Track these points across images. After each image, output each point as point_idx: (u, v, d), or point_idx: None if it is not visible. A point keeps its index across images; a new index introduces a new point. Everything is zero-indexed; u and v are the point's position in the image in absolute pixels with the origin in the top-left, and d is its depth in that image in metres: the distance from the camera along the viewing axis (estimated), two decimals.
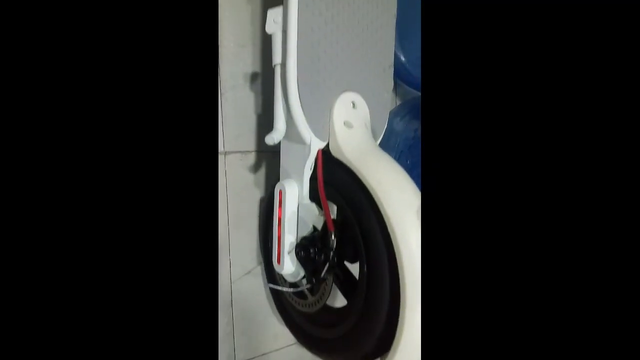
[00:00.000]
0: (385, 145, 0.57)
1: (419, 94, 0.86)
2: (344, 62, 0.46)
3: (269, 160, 0.70)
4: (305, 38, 0.42)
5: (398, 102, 0.90)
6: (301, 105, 0.42)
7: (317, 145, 0.45)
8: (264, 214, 0.64)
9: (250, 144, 0.67)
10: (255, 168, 0.69)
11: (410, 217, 0.36)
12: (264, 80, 0.66)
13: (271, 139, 0.46)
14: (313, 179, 0.47)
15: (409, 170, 0.73)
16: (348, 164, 0.43)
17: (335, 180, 0.45)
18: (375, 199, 0.39)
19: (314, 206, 0.46)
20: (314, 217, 0.45)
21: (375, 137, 0.53)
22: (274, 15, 0.44)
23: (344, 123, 0.45)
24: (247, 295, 0.70)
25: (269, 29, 0.44)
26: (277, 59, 0.44)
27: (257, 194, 0.69)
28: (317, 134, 0.44)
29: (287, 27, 0.42)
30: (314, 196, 0.47)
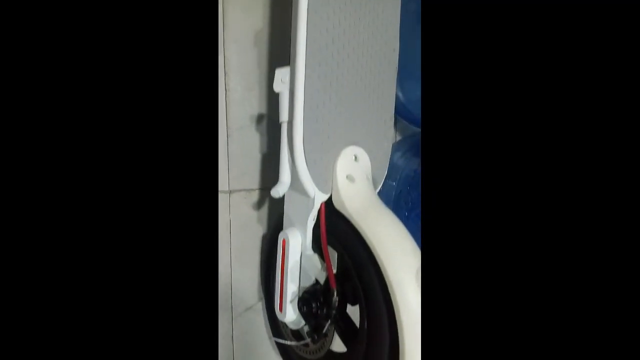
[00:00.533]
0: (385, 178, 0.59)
1: (419, 129, 0.89)
2: (347, 118, 0.49)
3: (272, 199, 0.71)
4: (311, 98, 0.45)
5: (398, 137, 0.92)
6: (306, 163, 0.44)
7: (320, 198, 0.47)
8: (265, 252, 0.66)
9: (254, 181, 0.69)
10: (259, 205, 0.70)
11: (409, 280, 0.38)
12: (269, 121, 0.69)
13: (276, 192, 0.48)
14: (316, 228, 0.48)
15: (409, 211, 0.74)
16: (350, 219, 0.45)
17: (337, 231, 0.46)
18: (376, 257, 0.41)
19: (316, 258, 0.47)
20: (316, 270, 0.47)
21: (375, 185, 0.55)
22: (282, 74, 0.46)
23: (347, 177, 0.47)
24: (248, 330, 0.71)
25: (276, 87, 0.46)
26: (283, 116, 0.46)
27: (260, 230, 0.71)
28: (321, 187, 0.46)
29: (294, 88, 0.44)
30: (316, 247, 0.48)
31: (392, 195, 0.78)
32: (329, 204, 0.47)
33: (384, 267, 0.40)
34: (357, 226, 0.44)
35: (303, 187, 0.46)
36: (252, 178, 0.69)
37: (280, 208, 0.58)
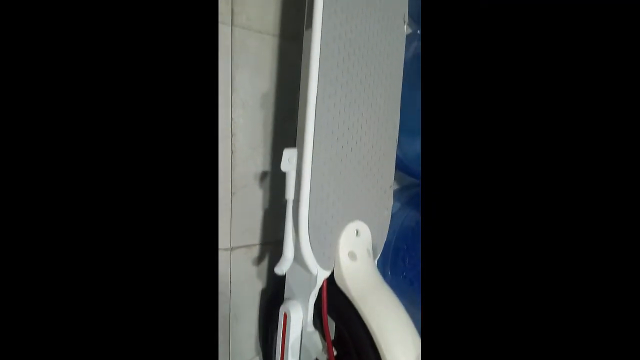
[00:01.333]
0: None
1: (415, 180, 0.90)
2: (350, 195, 0.50)
3: (272, 251, 0.73)
4: (317, 180, 0.46)
5: (395, 185, 0.94)
6: (310, 244, 0.46)
7: (323, 275, 0.48)
8: (264, 310, 0.66)
9: (255, 237, 0.70)
10: (259, 260, 0.71)
11: None
12: (273, 178, 0.70)
13: (280, 269, 0.49)
14: (318, 303, 0.49)
15: (407, 270, 0.75)
16: (351, 299, 0.46)
17: (338, 308, 0.48)
18: (375, 342, 0.42)
19: (317, 336, 0.48)
20: (317, 349, 0.48)
21: (375, 253, 0.56)
22: (289, 155, 0.48)
23: (349, 254, 0.49)
24: None
25: (283, 167, 0.48)
26: (289, 194, 0.48)
27: (260, 285, 0.72)
28: (323, 266, 0.47)
29: (301, 170, 0.46)
30: (317, 323, 0.49)
31: (390, 248, 0.79)
32: (330, 281, 0.49)
33: (384, 354, 0.41)
34: (357, 308, 0.45)
35: (306, 264, 0.47)
36: (253, 234, 0.70)
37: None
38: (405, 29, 0.59)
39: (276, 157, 0.71)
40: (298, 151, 0.47)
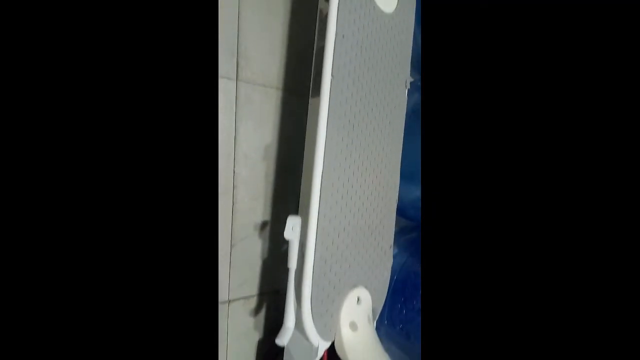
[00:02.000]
0: None
1: (412, 223, 0.91)
2: (351, 262, 0.51)
3: (269, 302, 0.72)
4: (321, 250, 0.47)
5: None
6: (312, 317, 0.46)
7: (324, 346, 0.48)
8: None
9: (253, 288, 0.70)
10: (256, 311, 0.71)
11: None
12: (273, 227, 0.71)
13: (281, 340, 0.49)
14: None
15: (405, 323, 0.75)
16: None
17: None
18: None
19: None
20: None
21: (375, 315, 0.57)
22: (293, 223, 0.49)
23: (350, 325, 0.49)
24: None
25: (287, 235, 0.48)
26: (292, 264, 0.48)
27: (256, 336, 0.71)
28: (325, 337, 0.48)
29: (306, 241, 0.47)
30: None
31: (387, 295, 0.79)
32: (331, 352, 0.48)
33: None
34: None
35: (307, 336, 0.47)
36: (251, 285, 0.69)
37: (276, 316, 0.59)
38: (407, 93, 0.61)
39: (276, 207, 0.72)
40: (302, 220, 0.47)
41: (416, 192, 0.78)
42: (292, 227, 0.48)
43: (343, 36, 0.47)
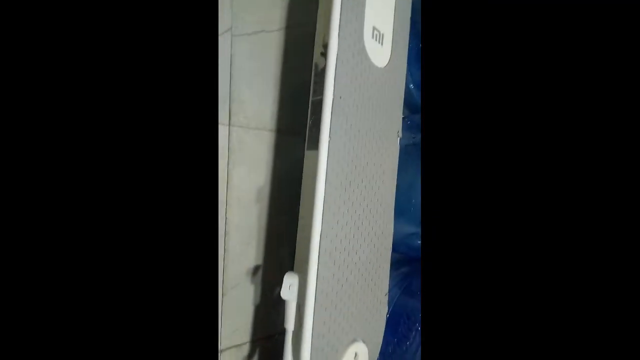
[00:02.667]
0: None
1: (403, 256, 0.91)
2: (349, 317, 0.51)
3: (262, 349, 0.71)
4: (319, 310, 0.46)
5: None
6: None
7: None
8: None
9: (245, 336, 0.68)
10: (249, 358, 0.69)
11: None
12: (265, 272, 0.70)
13: None
14: None
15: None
16: None
17: None
18: None
19: None
20: None
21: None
22: (290, 282, 0.48)
23: None
24: None
25: (284, 295, 0.48)
26: (289, 326, 0.47)
27: None
28: None
29: (304, 300, 0.46)
30: None
31: None
32: None
33: None
34: None
35: None
36: (244, 332, 0.68)
37: None
38: (399, 142, 0.62)
39: (269, 250, 0.71)
40: (300, 280, 0.47)
41: (407, 228, 0.79)
42: (289, 287, 0.48)
43: (340, 97, 0.47)
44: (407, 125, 0.87)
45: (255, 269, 0.69)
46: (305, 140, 0.58)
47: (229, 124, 0.65)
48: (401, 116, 0.62)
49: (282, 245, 0.71)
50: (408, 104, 0.89)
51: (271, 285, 0.72)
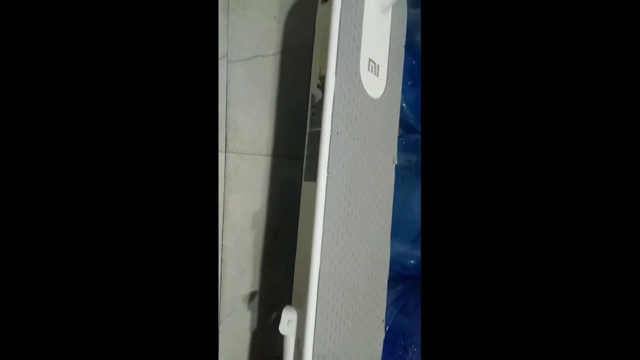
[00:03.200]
0: None
1: (397, 274, 0.92)
2: (347, 349, 0.51)
3: None
4: (318, 347, 0.46)
5: None
6: None
7: None
8: None
9: None
10: None
11: None
12: (261, 298, 0.69)
13: None
14: None
15: None
16: None
17: None
18: None
19: None
20: None
21: None
22: (289, 317, 0.48)
23: None
24: None
25: (282, 330, 0.48)
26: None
27: None
28: None
29: (303, 337, 0.46)
30: None
31: None
32: None
33: None
34: None
35: None
36: (240, 359, 0.67)
37: None
38: (394, 168, 0.63)
39: (265, 276, 0.70)
40: (299, 316, 0.47)
41: (401, 247, 0.79)
42: (287, 322, 0.48)
43: (337, 133, 0.47)
44: (402, 146, 0.88)
45: (252, 295, 0.69)
46: (302, 170, 0.58)
47: (225, 151, 0.64)
48: (396, 143, 0.62)
49: (279, 270, 0.70)
50: (402, 123, 0.89)
51: (268, 310, 0.72)
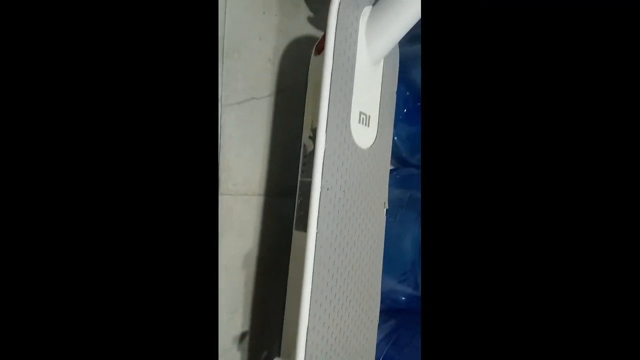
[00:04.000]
0: None
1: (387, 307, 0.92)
2: None
3: None
4: None
5: None
6: None
7: None
8: None
9: None
10: None
11: None
12: (253, 338, 0.69)
13: None
14: None
15: None
16: None
17: None
18: None
19: None
20: None
21: None
22: None
23: None
24: None
25: None
26: None
27: None
28: None
29: None
30: None
31: None
32: None
33: None
34: None
35: None
36: None
37: None
38: (385, 212, 0.64)
39: (256, 315, 0.70)
40: None
41: (391, 283, 0.79)
42: None
43: (328, 189, 0.48)
44: (396, 180, 0.89)
45: (242, 336, 0.69)
46: (294, 209, 0.59)
47: (218, 193, 0.65)
48: (387, 189, 0.63)
49: (270, 309, 0.70)
50: (395, 156, 0.90)
51: (259, 350, 0.72)
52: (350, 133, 0.53)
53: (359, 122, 0.54)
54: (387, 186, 0.63)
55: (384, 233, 0.62)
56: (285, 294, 0.59)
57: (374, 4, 0.56)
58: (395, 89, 0.64)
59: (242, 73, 0.67)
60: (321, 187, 0.48)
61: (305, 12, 0.76)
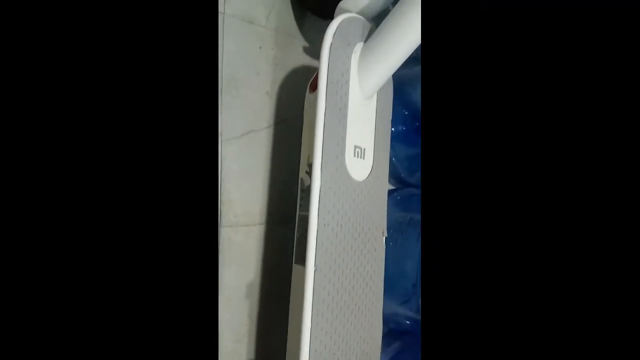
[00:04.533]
0: None
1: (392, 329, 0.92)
2: None
3: None
4: None
5: None
6: None
7: None
8: None
9: None
10: None
11: None
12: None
13: None
14: None
15: None
16: None
17: None
18: None
19: None
20: None
21: None
22: None
23: None
24: None
25: None
26: None
27: None
28: None
29: None
30: None
31: None
32: None
33: None
34: None
35: None
36: None
37: None
38: (384, 241, 0.65)
39: (261, 344, 0.71)
40: None
41: (395, 306, 0.80)
42: None
43: (325, 225, 0.50)
44: (397, 201, 0.90)
45: None
46: (294, 239, 0.60)
47: (219, 225, 0.66)
48: (385, 217, 0.64)
49: (275, 337, 0.71)
50: (394, 176, 0.91)
51: None
52: (345, 168, 0.54)
53: (354, 156, 0.56)
54: (385, 214, 0.64)
55: (383, 262, 0.63)
56: (288, 324, 0.60)
57: (365, 41, 0.58)
58: (389, 118, 0.65)
59: (241, 108, 0.69)
60: (318, 224, 0.49)
61: (300, 42, 0.79)
